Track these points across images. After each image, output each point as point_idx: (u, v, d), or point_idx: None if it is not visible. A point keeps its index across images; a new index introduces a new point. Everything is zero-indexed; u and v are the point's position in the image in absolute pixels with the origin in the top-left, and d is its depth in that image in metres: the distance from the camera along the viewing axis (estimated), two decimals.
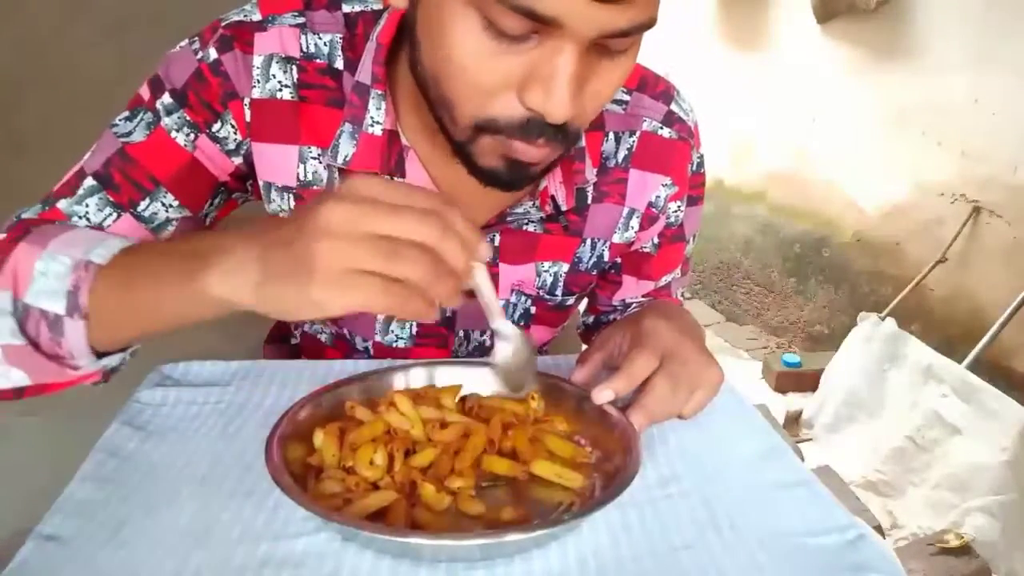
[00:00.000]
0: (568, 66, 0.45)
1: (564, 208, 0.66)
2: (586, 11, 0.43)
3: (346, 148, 0.61)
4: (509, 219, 0.66)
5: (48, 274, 0.50)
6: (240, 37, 0.60)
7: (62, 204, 0.60)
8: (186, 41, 0.62)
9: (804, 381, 2.40)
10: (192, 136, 0.61)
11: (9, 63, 1.22)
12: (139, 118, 0.61)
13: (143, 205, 0.61)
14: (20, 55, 1.23)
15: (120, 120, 0.62)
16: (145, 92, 0.62)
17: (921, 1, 2.26)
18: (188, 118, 0.61)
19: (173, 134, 0.61)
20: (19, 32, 1.22)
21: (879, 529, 1.73)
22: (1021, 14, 1.98)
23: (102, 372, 0.54)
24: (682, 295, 0.84)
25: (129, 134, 0.61)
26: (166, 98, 0.61)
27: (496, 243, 0.68)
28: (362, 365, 0.66)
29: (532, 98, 0.47)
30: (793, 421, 2.27)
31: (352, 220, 0.38)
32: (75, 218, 0.60)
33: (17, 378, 0.52)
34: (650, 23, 0.46)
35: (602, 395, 0.53)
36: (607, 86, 0.50)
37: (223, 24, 0.61)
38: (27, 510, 0.52)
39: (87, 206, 0.60)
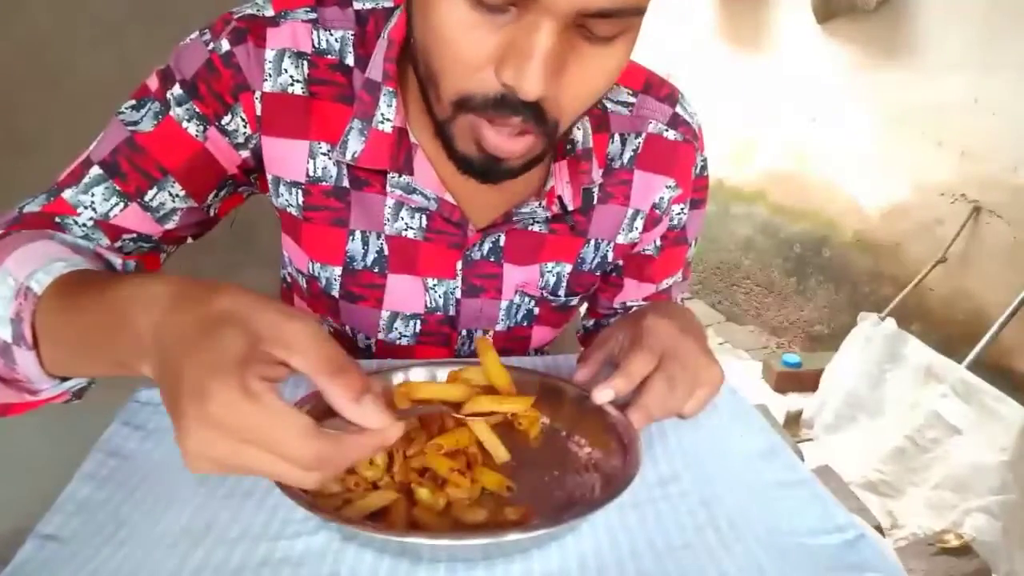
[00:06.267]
0: (543, 41, 0.44)
1: (571, 208, 0.66)
2: None
3: (355, 145, 0.61)
4: (515, 219, 0.66)
5: None
6: (253, 30, 0.60)
7: (67, 194, 0.60)
8: (196, 33, 0.61)
9: (804, 381, 2.40)
10: (202, 128, 0.61)
11: (9, 63, 1.22)
12: (147, 108, 0.61)
13: (150, 195, 0.61)
14: (20, 55, 1.23)
15: (126, 108, 0.61)
16: (153, 82, 0.61)
17: (921, 1, 2.26)
18: (198, 110, 0.60)
19: (184, 124, 0.60)
20: (19, 32, 1.22)
21: (879, 529, 1.73)
22: (1021, 14, 1.98)
23: (70, 393, 0.51)
24: (681, 301, 0.83)
25: (137, 123, 0.60)
26: (176, 89, 0.60)
27: (502, 244, 0.68)
28: (362, 364, 0.66)
29: (506, 72, 0.46)
30: (793, 421, 2.27)
31: (223, 455, 0.35)
32: (80, 208, 0.59)
33: None
34: (636, 9, 0.45)
35: (601, 395, 0.53)
36: (591, 76, 0.49)
37: (236, 17, 0.60)
38: (27, 510, 0.52)
39: (93, 195, 0.60)
